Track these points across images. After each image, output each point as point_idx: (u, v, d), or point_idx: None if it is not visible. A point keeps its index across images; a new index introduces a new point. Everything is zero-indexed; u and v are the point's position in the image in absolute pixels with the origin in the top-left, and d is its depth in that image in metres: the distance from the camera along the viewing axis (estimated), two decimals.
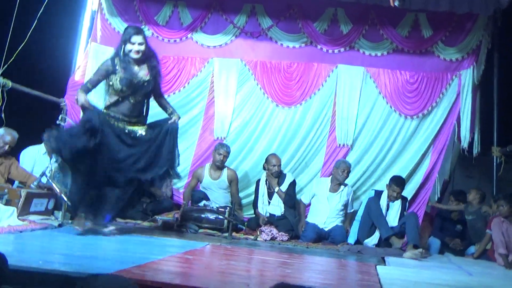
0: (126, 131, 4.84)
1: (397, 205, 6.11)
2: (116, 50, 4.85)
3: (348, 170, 6.36)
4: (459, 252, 6.33)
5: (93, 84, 4.82)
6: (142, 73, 4.83)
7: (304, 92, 7.19)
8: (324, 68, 7.23)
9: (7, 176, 5.70)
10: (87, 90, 4.77)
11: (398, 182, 6.14)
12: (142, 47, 4.77)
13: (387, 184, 6.23)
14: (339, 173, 6.31)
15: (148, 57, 4.89)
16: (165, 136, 4.97)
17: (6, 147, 5.68)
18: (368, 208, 6.09)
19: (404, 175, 6.61)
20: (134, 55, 4.76)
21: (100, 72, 4.80)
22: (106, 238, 4.68)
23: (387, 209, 6.11)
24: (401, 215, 6.08)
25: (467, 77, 6.89)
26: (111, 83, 4.76)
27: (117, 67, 4.74)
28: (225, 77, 7.28)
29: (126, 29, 4.98)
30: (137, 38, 4.76)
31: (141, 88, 4.83)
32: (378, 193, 6.26)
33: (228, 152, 6.56)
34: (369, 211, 6.05)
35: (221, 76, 7.29)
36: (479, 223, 6.23)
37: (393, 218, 6.06)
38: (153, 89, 4.99)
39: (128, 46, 4.74)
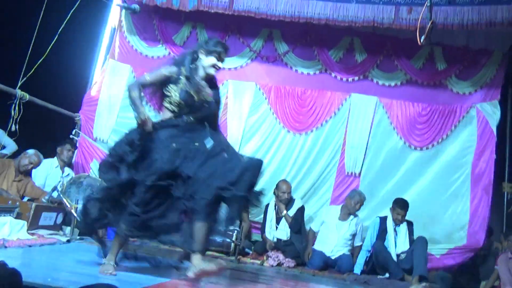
0: None
1: (403, 228, 6.08)
2: (186, 57, 4.04)
3: (361, 203, 6.33)
4: None
5: (146, 86, 4.00)
6: (206, 92, 4.04)
7: (316, 119, 7.24)
8: (337, 96, 7.28)
9: (22, 193, 5.78)
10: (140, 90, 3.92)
11: (401, 205, 6.08)
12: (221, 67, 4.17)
13: (390, 208, 6.18)
14: (351, 204, 6.29)
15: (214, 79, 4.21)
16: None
17: (30, 166, 5.80)
18: (375, 255, 5.99)
19: (431, 213, 6.67)
20: (212, 71, 4.04)
21: (159, 77, 3.97)
22: None
23: (395, 234, 6.07)
24: (410, 239, 6.02)
25: (482, 111, 6.89)
26: (168, 93, 3.96)
27: (181, 77, 3.97)
28: (239, 100, 7.35)
29: (216, 42, 4.11)
30: (225, 57, 4.12)
31: (201, 109, 3.99)
32: (383, 220, 6.20)
33: None
34: (376, 257, 5.97)
35: (235, 99, 7.36)
36: (490, 259, 6.14)
37: (402, 242, 6.01)
38: (211, 115, 4.12)
39: (211, 60, 3.99)
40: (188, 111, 3.96)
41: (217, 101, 4.16)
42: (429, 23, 4.63)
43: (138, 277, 3.82)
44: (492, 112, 6.83)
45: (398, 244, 6.03)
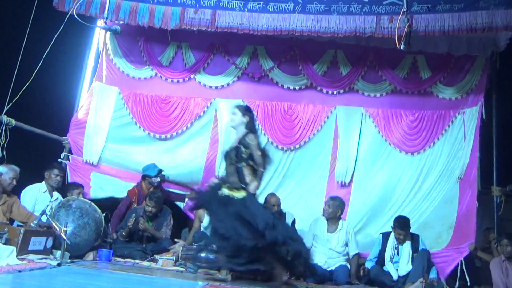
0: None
1: (407, 247, 6.00)
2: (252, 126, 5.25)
3: (335, 207, 6.24)
4: None
5: None
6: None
7: (303, 133, 7.28)
8: (322, 109, 7.34)
9: (9, 216, 5.70)
10: None
11: (402, 225, 5.99)
12: None
13: (392, 226, 6.12)
14: (328, 210, 6.25)
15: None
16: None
17: (14, 182, 5.71)
18: (373, 278, 5.94)
19: (424, 218, 6.71)
20: None
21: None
22: (105, 278, 4.64)
23: (397, 253, 6.02)
24: (413, 257, 5.95)
25: (470, 116, 6.98)
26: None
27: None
28: (227, 118, 7.34)
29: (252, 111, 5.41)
30: None
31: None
32: (386, 236, 6.16)
33: None
34: (374, 280, 5.93)
35: (223, 117, 7.36)
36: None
37: (406, 263, 5.94)
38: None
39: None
40: None
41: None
42: (405, 27, 4.68)
43: None
44: (475, 117, 6.92)
45: (401, 265, 5.95)
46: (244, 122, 5.19)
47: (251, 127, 5.19)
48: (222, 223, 4.84)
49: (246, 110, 5.32)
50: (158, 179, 6.90)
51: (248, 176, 5.00)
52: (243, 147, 5.04)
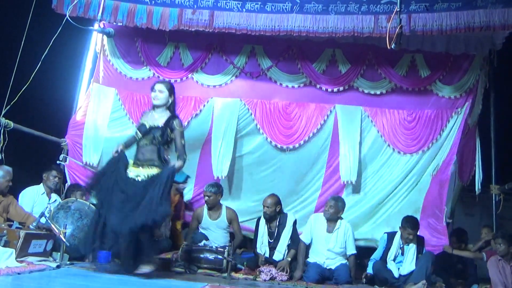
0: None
1: (412, 248, 5.99)
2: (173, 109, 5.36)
3: (335, 205, 6.21)
4: None
5: None
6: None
7: (302, 132, 7.26)
8: (322, 108, 7.32)
9: (6, 216, 5.70)
10: None
11: (413, 224, 5.97)
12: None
13: (400, 226, 6.09)
14: (327, 210, 6.22)
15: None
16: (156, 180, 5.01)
17: (10, 183, 5.71)
18: (375, 273, 5.98)
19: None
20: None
21: None
22: (104, 279, 4.64)
23: (401, 253, 6.01)
24: (418, 257, 5.95)
25: (466, 115, 6.99)
26: None
27: None
28: (225, 117, 7.36)
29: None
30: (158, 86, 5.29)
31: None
32: (391, 236, 6.14)
33: (213, 192, 6.41)
34: (376, 275, 5.96)
35: (220, 116, 7.37)
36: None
37: (409, 262, 5.93)
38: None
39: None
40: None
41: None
42: (398, 28, 4.69)
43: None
44: (468, 116, 6.99)
45: (404, 264, 5.96)
46: (169, 102, 5.29)
47: (173, 110, 5.31)
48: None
49: (173, 91, 5.38)
50: (186, 185, 6.86)
51: (167, 156, 5.20)
52: (169, 129, 5.17)
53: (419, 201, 6.92)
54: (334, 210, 6.21)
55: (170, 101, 5.29)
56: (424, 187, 6.96)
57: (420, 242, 6.07)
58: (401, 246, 6.04)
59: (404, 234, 5.99)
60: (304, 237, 6.32)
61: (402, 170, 7.04)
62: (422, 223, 6.49)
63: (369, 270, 6.06)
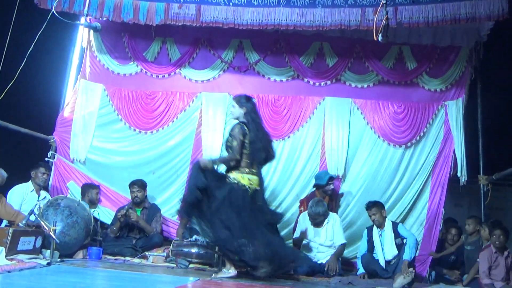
0: None
1: (388, 231, 6.03)
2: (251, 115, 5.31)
3: (322, 212, 6.19)
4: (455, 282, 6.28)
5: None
6: None
7: (292, 125, 7.27)
8: (311, 100, 7.33)
9: None
10: None
11: (367, 206, 6.16)
12: None
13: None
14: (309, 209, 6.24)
15: None
16: None
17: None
18: (364, 266, 6.02)
19: (403, 210, 6.85)
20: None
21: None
22: (96, 276, 4.63)
23: (381, 240, 6.04)
24: (397, 241, 5.96)
25: (452, 107, 7.04)
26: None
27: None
28: (213, 111, 7.35)
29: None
30: None
31: None
32: (370, 229, 6.20)
33: None
34: (365, 268, 6.00)
35: (209, 111, 7.36)
36: (477, 254, 6.05)
37: (389, 247, 5.98)
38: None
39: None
40: None
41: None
42: (383, 19, 4.71)
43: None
44: (456, 109, 7.02)
45: (385, 250, 6.00)
46: (242, 114, 5.27)
47: (248, 118, 5.25)
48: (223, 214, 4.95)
49: (244, 101, 5.35)
50: (332, 186, 6.77)
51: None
52: (229, 136, 5.20)
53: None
54: (322, 217, 6.21)
55: (243, 111, 5.32)
56: (420, 186, 7.02)
57: (394, 224, 6.12)
58: (380, 233, 6.10)
59: (370, 218, 6.12)
60: (296, 234, 6.38)
61: (395, 164, 7.07)
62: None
63: (360, 268, 6.09)
